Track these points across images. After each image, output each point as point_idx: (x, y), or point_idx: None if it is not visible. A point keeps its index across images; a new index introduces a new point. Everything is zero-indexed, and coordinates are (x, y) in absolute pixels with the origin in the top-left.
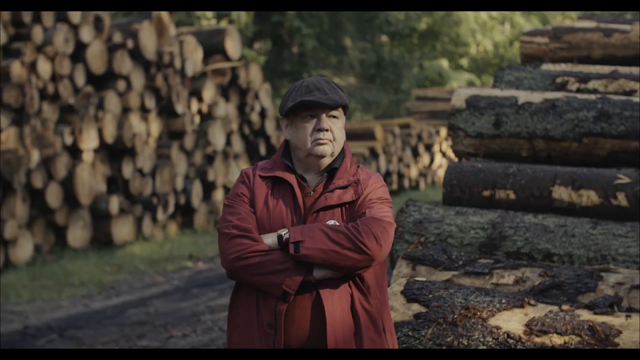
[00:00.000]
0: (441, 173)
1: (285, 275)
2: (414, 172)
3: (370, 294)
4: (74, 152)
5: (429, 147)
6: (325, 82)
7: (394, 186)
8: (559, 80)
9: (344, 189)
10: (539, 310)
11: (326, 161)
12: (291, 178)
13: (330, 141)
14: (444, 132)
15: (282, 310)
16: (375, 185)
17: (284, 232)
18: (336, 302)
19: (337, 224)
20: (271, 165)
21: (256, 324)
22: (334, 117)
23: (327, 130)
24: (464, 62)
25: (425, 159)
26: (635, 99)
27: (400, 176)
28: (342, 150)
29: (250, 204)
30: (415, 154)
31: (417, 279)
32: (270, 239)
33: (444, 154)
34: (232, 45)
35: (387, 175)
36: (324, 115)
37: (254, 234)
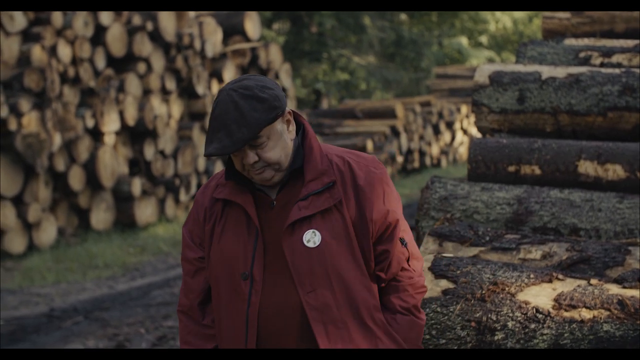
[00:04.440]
0: (462, 150)
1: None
2: (435, 149)
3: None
4: (96, 135)
5: (450, 125)
6: (234, 110)
7: (416, 164)
8: (582, 54)
9: (317, 194)
10: (567, 285)
11: (282, 174)
12: (244, 199)
13: (267, 166)
14: (464, 109)
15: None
16: (373, 188)
17: None
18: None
19: (316, 232)
20: (224, 179)
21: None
22: (259, 143)
23: (255, 162)
24: (484, 39)
25: (446, 136)
26: None
27: (422, 154)
28: (300, 144)
29: (202, 241)
30: (437, 131)
31: (444, 255)
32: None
33: (465, 132)
34: (252, 26)
35: (408, 153)
36: (245, 149)
37: (195, 314)
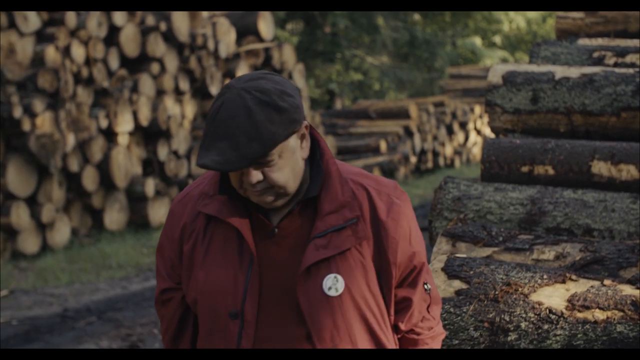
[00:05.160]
0: (476, 151)
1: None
2: (449, 150)
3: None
4: (109, 135)
5: (463, 125)
6: (246, 118)
7: (429, 164)
8: (595, 54)
9: (339, 231)
10: (580, 286)
11: (286, 198)
12: (238, 219)
13: (270, 188)
14: (478, 109)
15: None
16: (398, 224)
17: None
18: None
19: (338, 278)
20: (213, 189)
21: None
22: (267, 161)
23: (258, 182)
24: (497, 39)
25: (460, 136)
26: None
27: (435, 154)
28: (319, 166)
29: (174, 264)
30: (450, 132)
31: (457, 255)
32: None
33: (478, 132)
34: (265, 26)
35: (422, 154)
36: (247, 169)
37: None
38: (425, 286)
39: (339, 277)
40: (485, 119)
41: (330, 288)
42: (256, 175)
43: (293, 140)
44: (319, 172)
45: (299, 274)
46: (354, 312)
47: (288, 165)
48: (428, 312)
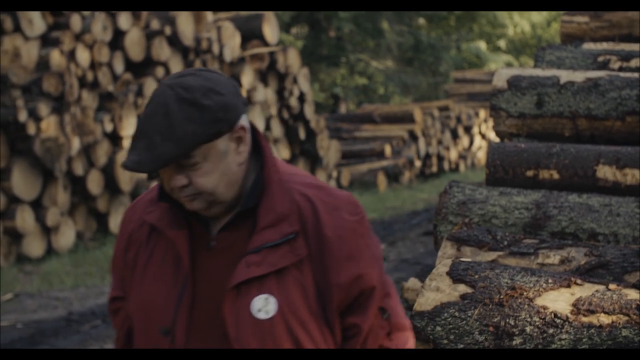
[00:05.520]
0: (481, 155)
1: None
2: (453, 154)
3: None
4: (114, 139)
5: (468, 129)
6: (163, 116)
7: (434, 169)
8: (600, 59)
9: (273, 247)
10: (585, 290)
11: (221, 207)
12: (176, 230)
13: (198, 194)
14: (483, 113)
15: None
16: (344, 241)
17: None
18: None
19: (269, 299)
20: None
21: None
22: (190, 164)
23: (183, 186)
24: (502, 43)
25: (464, 141)
26: None
27: (440, 159)
28: (257, 174)
29: (122, 275)
30: (455, 136)
31: (462, 259)
32: None
33: (483, 136)
34: (270, 30)
35: (426, 158)
36: (171, 168)
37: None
38: (382, 311)
39: (271, 299)
40: (490, 123)
41: (260, 310)
42: (180, 180)
43: (223, 143)
44: (260, 181)
45: (226, 293)
46: (287, 337)
47: (217, 169)
48: (390, 340)
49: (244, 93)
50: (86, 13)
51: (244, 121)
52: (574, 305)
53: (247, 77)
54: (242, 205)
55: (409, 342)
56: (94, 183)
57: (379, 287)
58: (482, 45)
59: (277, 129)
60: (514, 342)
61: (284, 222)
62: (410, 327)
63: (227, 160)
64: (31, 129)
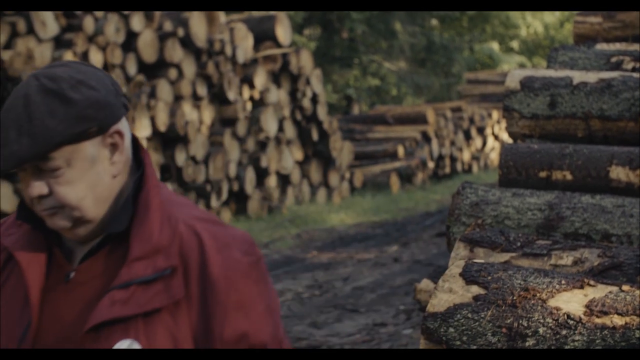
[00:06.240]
0: (494, 156)
1: None
2: (466, 155)
3: None
4: None
5: (481, 130)
6: (22, 107)
7: (447, 170)
8: (613, 59)
9: (145, 284)
10: (598, 291)
11: (89, 227)
12: (29, 257)
13: (60, 208)
14: (495, 114)
15: None
16: (233, 286)
17: None
18: None
19: (134, 344)
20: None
21: None
22: (50, 168)
23: (42, 196)
24: (515, 44)
25: (477, 142)
26: None
27: (453, 160)
28: (133, 194)
29: None
30: (468, 137)
31: (475, 261)
32: None
33: (496, 137)
34: (283, 32)
35: (439, 159)
36: (25, 175)
37: None
38: None
39: (136, 346)
40: (503, 124)
41: None
42: (38, 187)
43: (92, 148)
44: (134, 201)
45: (83, 334)
46: None
47: (83, 179)
48: None
49: (256, 94)
50: (99, 15)
51: (122, 126)
52: (587, 306)
53: (260, 79)
54: (108, 229)
55: None
56: None
57: (273, 342)
58: (494, 46)
59: (290, 130)
60: (527, 344)
61: (159, 255)
62: None
63: (97, 170)
64: None
